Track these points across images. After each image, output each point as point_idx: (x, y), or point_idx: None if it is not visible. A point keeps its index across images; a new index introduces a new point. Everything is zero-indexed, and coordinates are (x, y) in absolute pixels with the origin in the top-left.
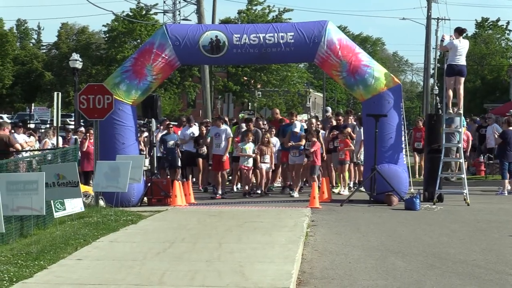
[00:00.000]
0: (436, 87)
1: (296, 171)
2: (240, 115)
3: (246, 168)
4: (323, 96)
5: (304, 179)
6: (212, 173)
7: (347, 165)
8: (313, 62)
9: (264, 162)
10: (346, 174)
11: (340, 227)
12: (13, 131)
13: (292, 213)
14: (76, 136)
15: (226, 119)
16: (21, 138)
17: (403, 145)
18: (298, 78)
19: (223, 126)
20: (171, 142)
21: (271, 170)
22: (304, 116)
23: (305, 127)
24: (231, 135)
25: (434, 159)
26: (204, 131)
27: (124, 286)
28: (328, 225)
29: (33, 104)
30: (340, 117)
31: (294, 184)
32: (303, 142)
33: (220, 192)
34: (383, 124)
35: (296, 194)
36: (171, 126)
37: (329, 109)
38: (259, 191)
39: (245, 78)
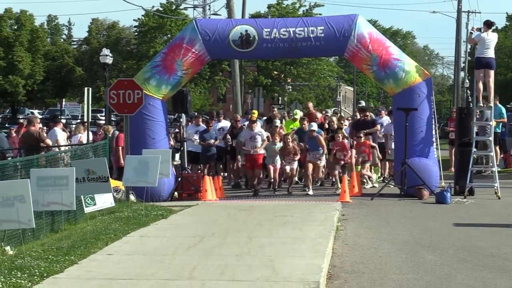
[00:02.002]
0: (467, 81)
1: (313, 170)
2: (294, 112)
3: (274, 167)
4: (353, 90)
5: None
6: (248, 172)
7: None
8: (343, 56)
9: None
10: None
11: (370, 221)
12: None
13: (323, 207)
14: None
15: (256, 113)
16: (60, 133)
17: (434, 139)
18: (328, 71)
19: (258, 128)
20: (211, 141)
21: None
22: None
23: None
24: (265, 137)
25: (465, 153)
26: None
27: (154, 281)
28: (359, 219)
29: (64, 100)
30: (367, 113)
31: (308, 181)
32: (324, 146)
33: (257, 187)
34: (414, 118)
35: (311, 192)
36: (210, 124)
37: (363, 102)
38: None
39: (276, 72)
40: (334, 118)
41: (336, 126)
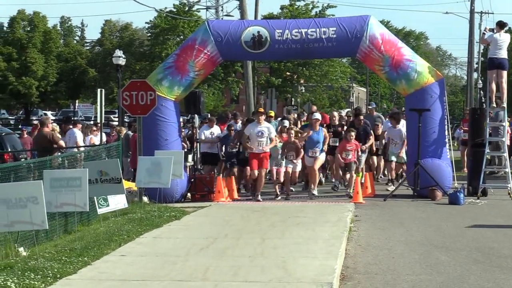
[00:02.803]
0: (480, 81)
1: (314, 165)
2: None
3: (278, 170)
4: (366, 91)
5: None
6: (251, 172)
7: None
8: (356, 57)
9: (291, 160)
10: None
11: (383, 222)
12: (57, 128)
13: (335, 208)
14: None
15: (272, 114)
16: (80, 135)
17: (447, 139)
18: (340, 73)
19: (265, 123)
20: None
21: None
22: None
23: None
24: (274, 136)
25: (478, 153)
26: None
27: (167, 282)
28: (372, 220)
29: (77, 101)
30: (361, 118)
31: (312, 181)
32: (326, 138)
33: (259, 195)
34: (426, 119)
35: (315, 192)
36: (232, 128)
37: (373, 104)
38: (278, 198)
39: (288, 73)
40: (336, 113)
41: (337, 122)
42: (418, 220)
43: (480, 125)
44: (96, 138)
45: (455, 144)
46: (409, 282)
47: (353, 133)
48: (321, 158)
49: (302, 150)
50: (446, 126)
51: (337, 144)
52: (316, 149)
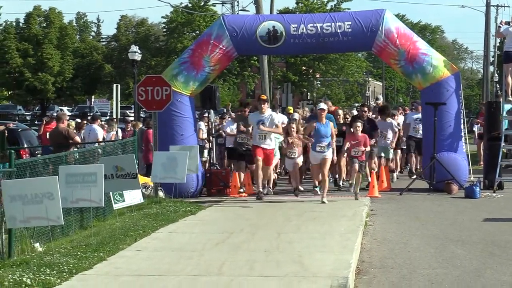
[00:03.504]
0: (496, 75)
1: (324, 168)
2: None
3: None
4: (382, 85)
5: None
6: (255, 159)
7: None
8: (371, 51)
9: (291, 157)
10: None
11: (399, 216)
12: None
13: (351, 202)
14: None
15: (291, 110)
16: (100, 131)
17: (462, 133)
18: (356, 67)
19: (268, 111)
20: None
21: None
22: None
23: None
24: (280, 122)
25: (494, 147)
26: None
27: (183, 276)
28: (387, 214)
29: (93, 97)
30: (365, 109)
31: (323, 187)
32: (333, 135)
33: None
34: (442, 112)
35: (325, 200)
36: (225, 117)
37: (380, 97)
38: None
39: (304, 68)
40: (340, 111)
41: (341, 121)
42: (434, 214)
43: (496, 119)
44: (118, 135)
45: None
46: (425, 276)
47: (359, 124)
48: (329, 156)
49: (301, 148)
50: (462, 120)
51: (341, 143)
52: (323, 143)
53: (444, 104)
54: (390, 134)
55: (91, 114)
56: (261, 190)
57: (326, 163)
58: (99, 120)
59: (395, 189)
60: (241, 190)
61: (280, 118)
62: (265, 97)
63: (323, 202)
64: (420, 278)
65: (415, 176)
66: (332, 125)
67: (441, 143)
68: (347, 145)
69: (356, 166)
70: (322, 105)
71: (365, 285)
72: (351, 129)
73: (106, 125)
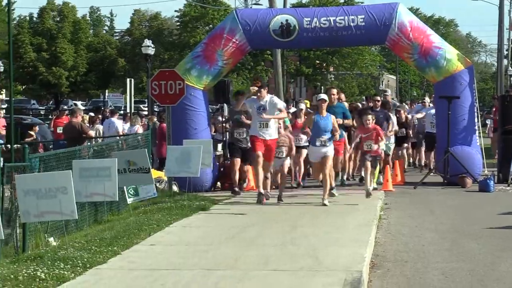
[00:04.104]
0: (510, 68)
1: (325, 166)
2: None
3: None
4: (396, 78)
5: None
6: (255, 155)
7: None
8: (384, 44)
9: (277, 157)
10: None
11: (413, 209)
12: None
13: (364, 199)
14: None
15: (309, 104)
16: (120, 124)
17: (476, 127)
18: (370, 61)
19: (267, 96)
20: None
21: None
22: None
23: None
24: (283, 108)
25: (508, 140)
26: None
27: (197, 271)
28: (401, 207)
29: (106, 91)
30: (378, 98)
31: (324, 188)
32: (336, 129)
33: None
34: (456, 106)
35: (326, 202)
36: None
37: (389, 90)
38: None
39: (317, 62)
40: (345, 103)
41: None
42: (448, 208)
43: (510, 112)
44: (141, 128)
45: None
46: (439, 269)
47: (370, 116)
48: (331, 152)
49: (294, 148)
50: (475, 114)
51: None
52: (324, 137)
53: (458, 97)
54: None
55: (110, 107)
56: (262, 191)
57: (328, 160)
58: (117, 114)
59: (409, 183)
60: (236, 189)
61: (282, 102)
62: (260, 83)
63: (324, 205)
64: (434, 271)
65: (428, 170)
66: (333, 118)
67: (455, 137)
68: (357, 138)
69: (368, 164)
70: (323, 95)
71: (379, 279)
72: (362, 121)
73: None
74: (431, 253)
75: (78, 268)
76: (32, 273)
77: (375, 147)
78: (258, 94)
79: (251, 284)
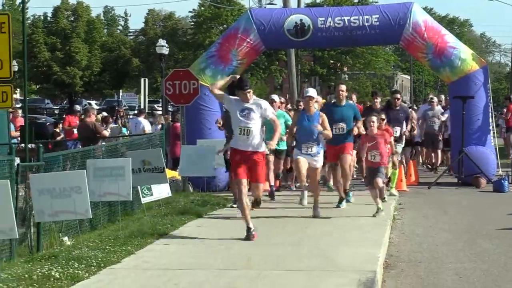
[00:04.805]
0: None
1: (313, 180)
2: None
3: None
4: (410, 78)
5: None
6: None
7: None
8: (399, 44)
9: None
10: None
11: (427, 209)
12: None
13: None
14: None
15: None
16: (147, 124)
17: (491, 127)
18: (384, 61)
19: (255, 100)
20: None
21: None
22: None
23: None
24: (275, 115)
25: None
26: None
27: (210, 270)
28: (415, 208)
29: (120, 91)
30: (377, 98)
31: (315, 199)
32: (328, 133)
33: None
34: (471, 106)
35: (305, 201)
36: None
37: (399, 95)
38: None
39: (332, 61)
40: (354, 96)
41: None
42: (462, 208)
43: None
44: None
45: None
46: (453, 270)
47: (374, 118)
48: (320, 162)
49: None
50: (490, 113)
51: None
52: (311, 144)
53: (472, 97)
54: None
55: (124, 107)
56: (251, 226)
57: (316, 173)
58: (144, 113)
59: (423, 183)
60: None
61: (271, 108)
62: (248, 86)
63: (315, 216)
64: (448, 272)
65: (442, 170)
66: (324, 117)
67: (469, 137)
68: (364, 150)
69: (379, 181)
70: (311, 92)
71: (393, 280)
72: (366, 125)
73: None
74: (445, 253)
75: (93, 267)
76: (46, 273)
77: (378, 158)
78: (246, 98)
79: (264, 284)
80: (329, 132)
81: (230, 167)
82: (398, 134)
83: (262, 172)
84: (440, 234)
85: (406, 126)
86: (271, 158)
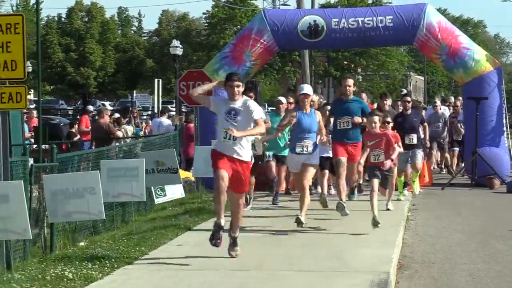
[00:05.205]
0: None
1: (304, 178)
2: None
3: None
4: (424, 79)
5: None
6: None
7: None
8: (412, 45)
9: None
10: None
11: (441, 210)
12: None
13: (393, 197)
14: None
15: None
16: (170, 124)
17: (504, 128)
18: (398, 63)
19: (243, 99)
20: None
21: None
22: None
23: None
24: (260, 120)
25: None
26: None
27: (223, 271)
28: (429, 208)
29: (134, 91)
30: (386, 100)
31: (303, 205)
32: (322, 129)
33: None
34: (484, 107)
35: (303, 219)
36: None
37: (404, 90)
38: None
39: (346, 62)
40: (364, 95)
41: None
42: (475, 209)
43: None
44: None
45: None
46: (467, 271)
47: (376, 118)
48: (315, 161)
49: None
50: (504, 115)
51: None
52: (307, 142)
53: (486, 98)
54: None
55: (138, 108)
56: (221, 222)
57: (308, 171)
58: (166, 114)
59: (436, 184)
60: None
61: (260, 111)
62: (237, 80)
63: (300, 223)
64: (461, 273)
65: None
66: (319, 115)
67: (483, 138)
68: (366, 151)
69: (376, 183)
70: (306, 88)
71: (407, 280)
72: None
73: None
74: (458, 254)
75: (106, 268)
76: (59, 273)
77: (383, 158)
78: (231, 94)
79: (276, 285)
80: (324, 137)
81: None
82: (414, 141)
83: (245, 182)
84: (453, 235)
85: (423, 130)
86: (273, 163)
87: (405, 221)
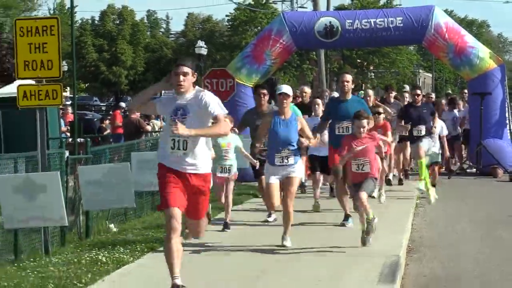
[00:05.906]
0: None
1: (288, 191)
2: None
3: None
4: (432, 76)
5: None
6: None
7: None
8: (421, 44)
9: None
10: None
11: (447, 198)
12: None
13: (403, 186)
14: None
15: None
16: None
17: (507, 121)
18: (407, 61)
19: (195, 91)
20: None
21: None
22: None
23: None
24: (220, 114)
25: None
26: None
27: (246, 252)
28: (436, 197)
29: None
30: (391, 93)
31: (286, 225)
32: (308, 136)
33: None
34: (488, 102)
35: (288, 242)
36: None
37: (407, 86)
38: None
39: (359, 61)
40: (371, 92)
41: (371, 103)
42: (480, 197)
43: None
44: None
45: None
46: (472, 256)
47: (364, 122)
48: (298, 173)
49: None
50: (506, 108)
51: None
52: (286, 152)
53: (490, 94)
54: None
55: None
56: (178, 283)
57: (292, 185)
58: None
59: (443, 173)
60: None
61: (219, 104)
62: (184, 66)
63: (283, 246)
64: (467, 258)
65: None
66: (302, 120)
67: (487, 130)
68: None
69: (363, 196)
70: (285, 88)
71: (416, 263)
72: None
73: None
74: (464, 240)
75: (137, 252)
76: (94, 257)
77: (368, 169)
78: (179, 84)
79: (294, 266)
80: (307, 140)
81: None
82: (423, 133)
83: (204, 204)
84: (459, 222)
85: (433, 122)
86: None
87: (415, 208)
